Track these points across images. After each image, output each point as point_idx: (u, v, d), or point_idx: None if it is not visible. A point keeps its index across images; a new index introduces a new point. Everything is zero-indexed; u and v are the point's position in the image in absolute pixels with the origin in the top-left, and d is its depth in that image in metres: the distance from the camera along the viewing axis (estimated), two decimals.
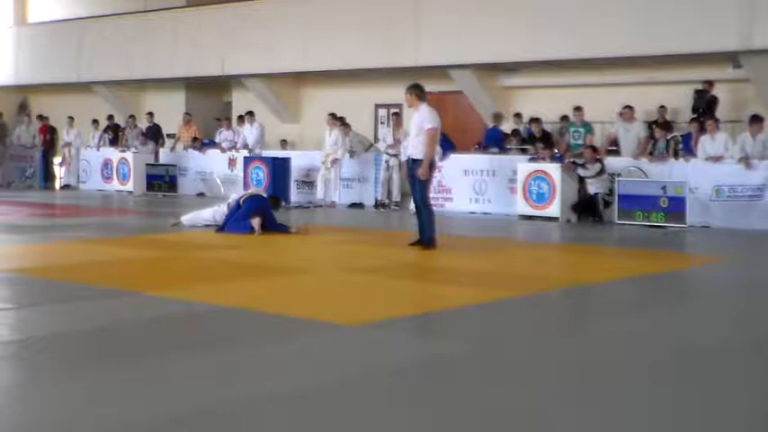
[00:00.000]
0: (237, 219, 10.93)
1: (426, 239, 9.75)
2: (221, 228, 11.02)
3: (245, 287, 7.19)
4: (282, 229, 11.07)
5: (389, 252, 9.73)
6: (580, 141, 14.52)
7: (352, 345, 5.12)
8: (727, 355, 5.07)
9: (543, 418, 3.80)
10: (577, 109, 14.86)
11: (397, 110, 17.96)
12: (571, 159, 13.91)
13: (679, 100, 15.86)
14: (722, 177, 12.91)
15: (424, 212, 9.85)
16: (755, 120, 13.12)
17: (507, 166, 14.73)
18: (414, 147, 9.82)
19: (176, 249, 9.54)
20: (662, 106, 15.28)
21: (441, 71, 17.69)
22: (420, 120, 9.72)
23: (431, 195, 10.43)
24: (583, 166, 13.68)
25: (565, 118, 15.76)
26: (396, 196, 16.06)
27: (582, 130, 14.67)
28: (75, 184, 21.39)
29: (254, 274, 7.93)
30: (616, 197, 13.16)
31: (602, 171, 13.54)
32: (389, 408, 3.92)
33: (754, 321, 6.23)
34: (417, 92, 9.79)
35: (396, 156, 15.86)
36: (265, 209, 11.13)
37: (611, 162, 14.09)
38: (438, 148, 10.55)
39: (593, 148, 13.95)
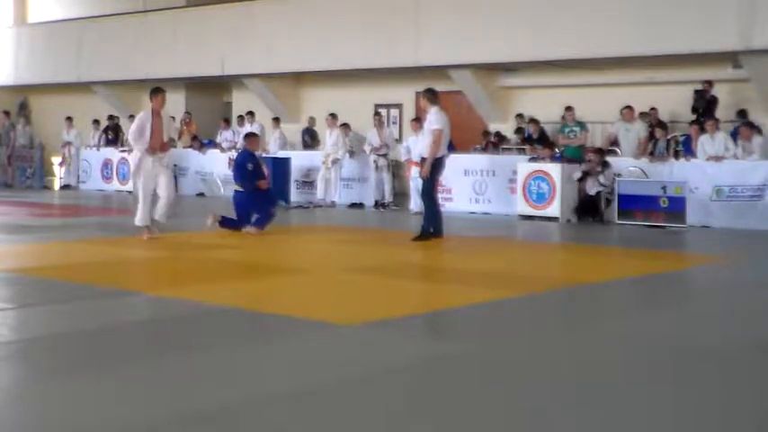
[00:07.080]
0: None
1: (422, 231, 10.42)
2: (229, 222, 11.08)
3: (244, 287, 7.19)
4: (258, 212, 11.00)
5: (389, 252, 9.73)
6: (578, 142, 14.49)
7: (352, 345, 5.12)
8: (727, 355, 5.06)
9: (543, 418, 3.80)
10: (569, 109, 14.80)
11: (380, 111, 17.85)
12: (585, 170, 13.69)
13: (679, 100, 15.85)
14: (722, 177, 12.91)
15: (426, 206, 10.61)
16: (746, 126, 13.39)
17: (507, 166, 14.72)
18: (423, 147, 10.77)
19: (176, 249, 9.54)
20: (647, 111, 15.05)
21: (441, 71, 17.68)
22: (429, 122, 10.61)
23: (438, 193, 11.19)
24: (588, 173, 13.57)
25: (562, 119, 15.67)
26: (388, 196, 15.98)
27: (577, 129, 14.66)
28: (74, 185, 21.38)
29: (254, 274, 7.93)
30: (616, 197, 13.15)
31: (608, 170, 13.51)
32: (389, 408, 3.92)
33: (755, 321, 6.22)
34: (429, 96, 10.72)
35: (384, 156, 15.85)
36: (248, 163, 11.27)
37: (612, 162, 14.07)
38: (445, 149, 10.88)
39: (600, 151, 13.89)
